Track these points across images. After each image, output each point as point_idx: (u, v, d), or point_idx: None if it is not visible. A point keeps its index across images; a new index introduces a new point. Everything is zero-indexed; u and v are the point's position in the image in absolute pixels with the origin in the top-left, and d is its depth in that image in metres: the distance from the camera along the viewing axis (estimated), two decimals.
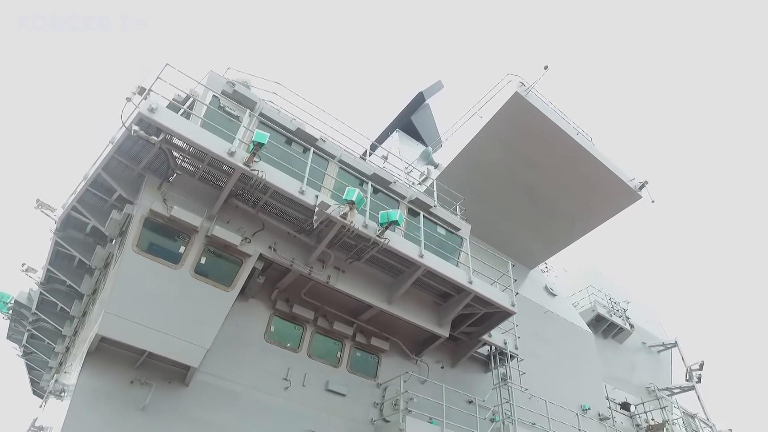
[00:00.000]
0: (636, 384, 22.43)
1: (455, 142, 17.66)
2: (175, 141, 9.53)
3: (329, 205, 10.15)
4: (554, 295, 19.70)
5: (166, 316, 9.44)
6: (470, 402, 13.73)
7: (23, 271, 13.93)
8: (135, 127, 8.95)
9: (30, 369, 18.37)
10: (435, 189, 15.00)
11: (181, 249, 9.88)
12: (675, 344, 24.09)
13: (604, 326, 22.23)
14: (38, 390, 19.45)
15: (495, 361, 14.58)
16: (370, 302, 12.00)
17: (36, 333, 15.70)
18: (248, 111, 11.53)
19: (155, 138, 9.06)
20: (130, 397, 9.44)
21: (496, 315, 13.40)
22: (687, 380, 22.44)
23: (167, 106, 9.71)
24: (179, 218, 9.67)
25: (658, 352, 24.35)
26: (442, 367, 14.27)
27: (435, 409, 12.02)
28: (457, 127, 18.18)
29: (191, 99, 11.41)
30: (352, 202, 10.21)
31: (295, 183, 10.36)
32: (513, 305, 13.05)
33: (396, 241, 11.24)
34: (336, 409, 11.86)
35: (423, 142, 26.01)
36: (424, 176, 17.86)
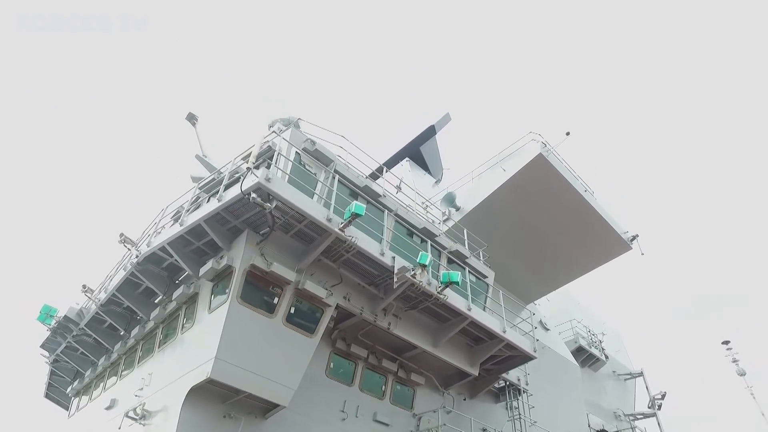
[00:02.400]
0: (606, 409, 25.03)
1: (477, 189, 19.34)
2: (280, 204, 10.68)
3: (407, 269, 11.58)
4: (548, 330, 21.81)
5: (262, 360, 10.61)
6: (484, 430, 15.61)
7: (83, 291, 14.58)
8: (253, 195, 10.03)
9: (51, 374, 18.74)
10: (465, 238, 16.57)
11: (275, 300, 11.05)
12: (641, 374, 26.98)
13: (583, 356, 24.64)
14: (54, 394, 19.82)
15: (509, 395, 16.46)
16: (419, 345, 13.52)
17: (74, 344, 16.26)
18: (324, 168, 12.77)
19: (269, 205, 10.18)
20: (223, 429, 10.59)
21: (518, 357, 15.25)
22: (649, 407, 25.27)
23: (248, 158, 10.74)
24: (277, 273, 10.85)
25: (625, 380, 27.16)
26: (465, 399, 16.00)
27: None
28: (471, 166, 19.98)
29: (274, 152, 12.45)
30: (424, 266, 11.70)
31: (376, 245, 11.74)
32: (534, 351, 14.93)
33: (452, 296, 12.81)
34: None
35: (429, 172, 27.66)
36: (446, 217, 19.53)
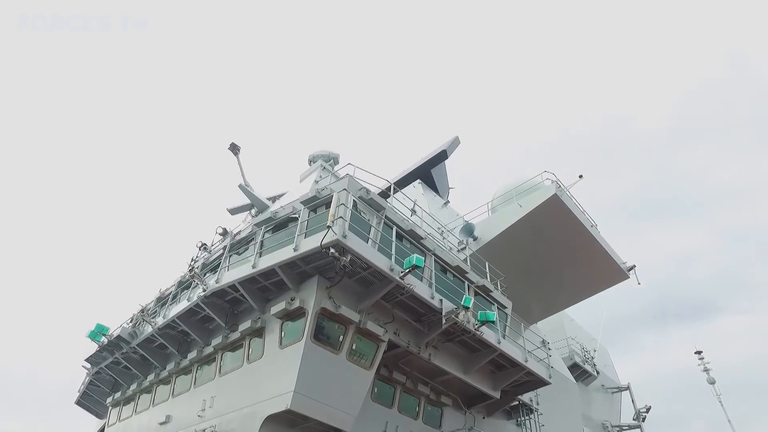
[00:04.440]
0: (595, 420, 27.17)
1: (494, 222, 20.98)
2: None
3: (454, 311, 13.13)
4: (550, 349, 23.67)
5: (329, 392, 12.03)
6: None
7: (141, 313, 15.72)
8: (332, 250, 11.38)
9: (88, 385, 19.73)
10: (487, 270, 18.17)
11: (340, 338, 12.45)
12: (627, 387, 29.25)
13: (577, 372, 26.68)
14: (87, 402, 20.82)
15: (522, 414, 18.24)
16: (453, 373, 15.11)
17: (120, 360, 17.33)
18: (376, 214, 14.17)
19: (345, 258, 11.54)
20: None
21: (534, 382, 17.00)
22: (634, 419, 27.53)
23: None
24: (344, 314, 12.25)
25: (613, 393, 29.39)
26: (483, 417, 17.70)
27: None
28: (476, 188, 21.57)
29: (331, 197, 13.71)
30: (467, 308, 13.27)
31: (427, 290, 13.24)
32: (549, 377, 16.71)
33: (488, 333, 14.42)
34: None
35: (438, 193, 29.19)
36: (463, 246, 21.11)
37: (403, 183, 28.68)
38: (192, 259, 22.75)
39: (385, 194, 17.31)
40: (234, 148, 18.85)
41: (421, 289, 13.08)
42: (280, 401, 11.46)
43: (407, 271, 12.32)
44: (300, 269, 12.65)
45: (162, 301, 17.13)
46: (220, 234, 21.67)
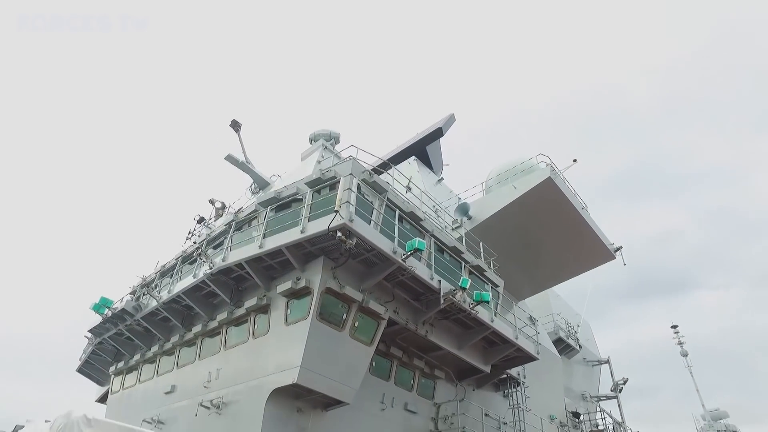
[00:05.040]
0: (575, 391, 28.54)
1: (489, 203, 21.51)
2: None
3: (452, 291, 13.73)
4: (536, 324, 24.65)
5: (333, 367, 12.66)
6: (486, 415, 18.34)
7: (145, 287, 16.09)
8: (339, 234, 11.78)
9: (91, 354, 20.21)
10: (482, 251, 18.78)
11: (344, 316, 13.01)
12: (607, 361, 30.65)
13: (561, 346, 27.84)
14: (87, 370, 21.36)
15: (510, 386, 19.22)
16: (447, 348, 15.85)
17: (123, 331, 17.79)
18: (378, 196, 14.53)
19: (351, 242, 11.96)
20: (297, 420, 12.70)
21: (522, 357, 17.88)
22: (612, 390, 28.98)
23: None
24: (348, 294, 12.78)
25: (593, 366, 30.78)
26: (473, 390, 18.63)
27: (466, 421, 16.64)
28: (471, 165, 22.04)
29: (335, 180, 14.05)
30: (464, 289, 13.88)
31: (427, 271, 13.79)
32: (537, 353, 17.59)
33: (482, 312, 15.10)
34: (410, 424, 15.82)
35: (432, 170, 29.56)
36: (458, 225, 21.65)
37: (398, 159, 28.91)
38: (189, 232, 23.05)
39: (380, 170, 17.61)
40: (235, 125, 19.01)
41: (421, 270, 13.62)
42: (287, 375, 12.05)
43: (409, 253, 12.82)
44: (306, 250, 13.07)
45: (164, 274, 17.48)
46: (218, 207, 21.96)
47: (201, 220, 22.56)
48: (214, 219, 21.90)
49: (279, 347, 12.87)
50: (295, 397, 12.79)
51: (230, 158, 20.18)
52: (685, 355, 53.18)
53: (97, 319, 18.07)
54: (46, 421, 8.52)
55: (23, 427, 9.89)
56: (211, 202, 22.43)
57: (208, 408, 13.69)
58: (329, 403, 13.25)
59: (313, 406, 13.17)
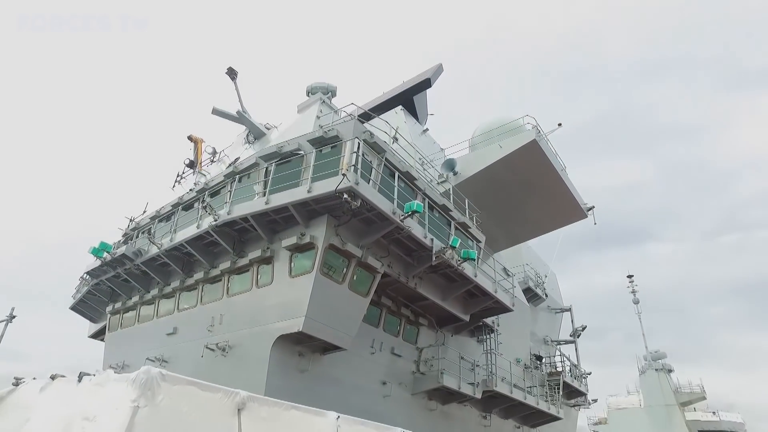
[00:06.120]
0: (538, 336, 31.03)
1: (475, 160, 22.35)
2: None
3: (443, 249, 14.83)
4: (509, 276, 26.41)
5: (333, 316, 13.78)
6: (462, 358, 20.16)
7: (148, 238, 16.58)
8: (345, 196, 12.51)
9: (86, 294, 20.79)
10: (467, 207, 19.85)
11: (344, 270, 13.99)
12: (569, 309, 33.19)
13: (529, 295, 29.94)
14: (82, 308, 22.01)
15: (484, 333, 21.01)
16: (433, 299, 17.20)
17: (122, 274, 18.40)
18: (377, 156, 15.19)
19: (356, 204, 12.74)
20: (298, 363, 13.94)
21: (498, 308, 19.51)
22: (571, 336, 31.65)
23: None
24: (349, 250, 13.71)
25: (556, 313, 33.28)
26: (452, 335, 20.31)
27: (444, 364, 18.30)
28: (457, 118, 22.73)
29: (337, 138, 14.57)
30: (454, 247, 15.01)
31: (421, 230, 14.77)
32: (512, 305, 19.23)
33: (468, 268, 16.36)
34: (396, 366, 17.38)
35: (418, 120, 29.97)
36: (444, 179, 22.56)
37: (383, 107, 29.13)
38: (178, 175, 23.24)
39: (365, 118, 17.98)
40: (231, 73, 18.90)
41: (416, 229, 14.59)
42: (293, 324, 13.12)
43: (407, 215, 13.73)
44: (310, 208, 13.78)
45: (159, 218, 17.89)
46: (209, 153, 22.10)
47: (191, 165, 22.69)
48: (202, 164, 22.12)
49: (284, 297, 13.84)
50: (297, 342, 13.93)
51: (217, 111, 20.23)
52: (636, 302, 57.58)
53: (91, 262, 18.57)
54: (51, 377, 8.84)
55: (22, 379, 10.07)
56: (190, 138, 22.46)
57: (213, 350, 14.72)
58: (327, 348, 14.48)
59: (313, 351, 14.39)
